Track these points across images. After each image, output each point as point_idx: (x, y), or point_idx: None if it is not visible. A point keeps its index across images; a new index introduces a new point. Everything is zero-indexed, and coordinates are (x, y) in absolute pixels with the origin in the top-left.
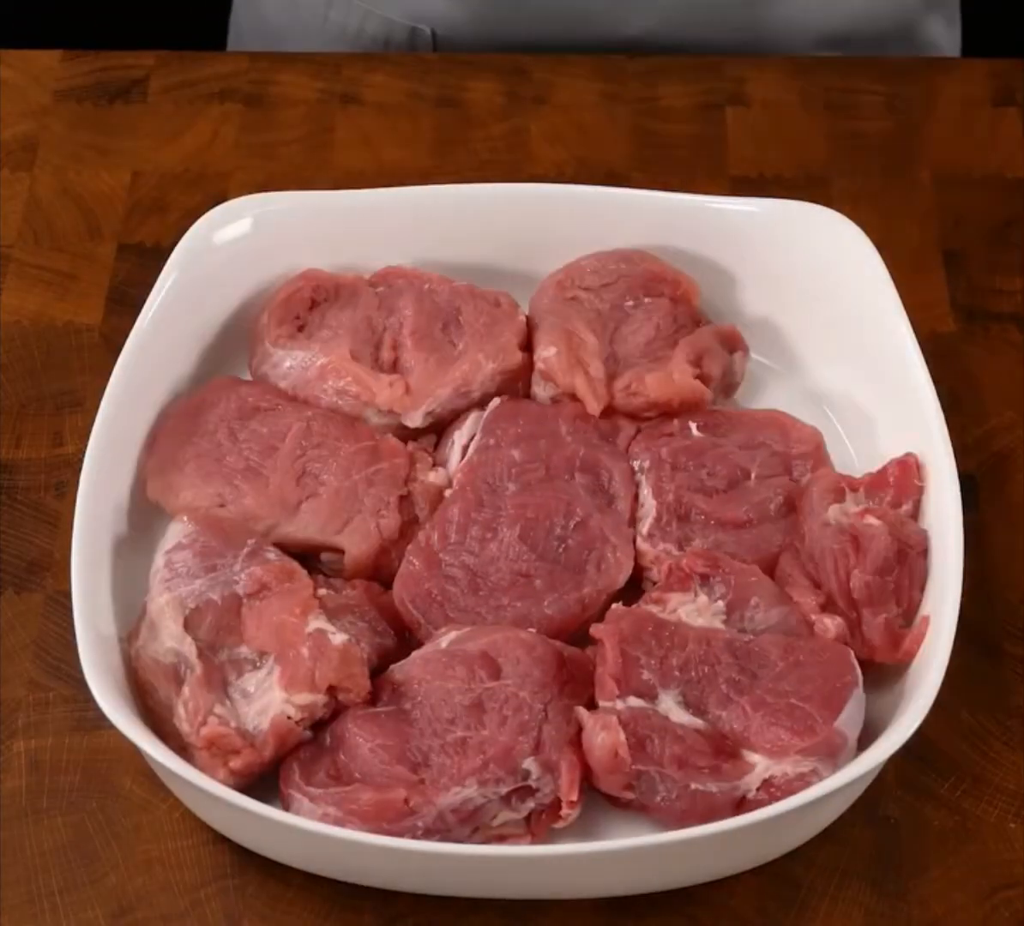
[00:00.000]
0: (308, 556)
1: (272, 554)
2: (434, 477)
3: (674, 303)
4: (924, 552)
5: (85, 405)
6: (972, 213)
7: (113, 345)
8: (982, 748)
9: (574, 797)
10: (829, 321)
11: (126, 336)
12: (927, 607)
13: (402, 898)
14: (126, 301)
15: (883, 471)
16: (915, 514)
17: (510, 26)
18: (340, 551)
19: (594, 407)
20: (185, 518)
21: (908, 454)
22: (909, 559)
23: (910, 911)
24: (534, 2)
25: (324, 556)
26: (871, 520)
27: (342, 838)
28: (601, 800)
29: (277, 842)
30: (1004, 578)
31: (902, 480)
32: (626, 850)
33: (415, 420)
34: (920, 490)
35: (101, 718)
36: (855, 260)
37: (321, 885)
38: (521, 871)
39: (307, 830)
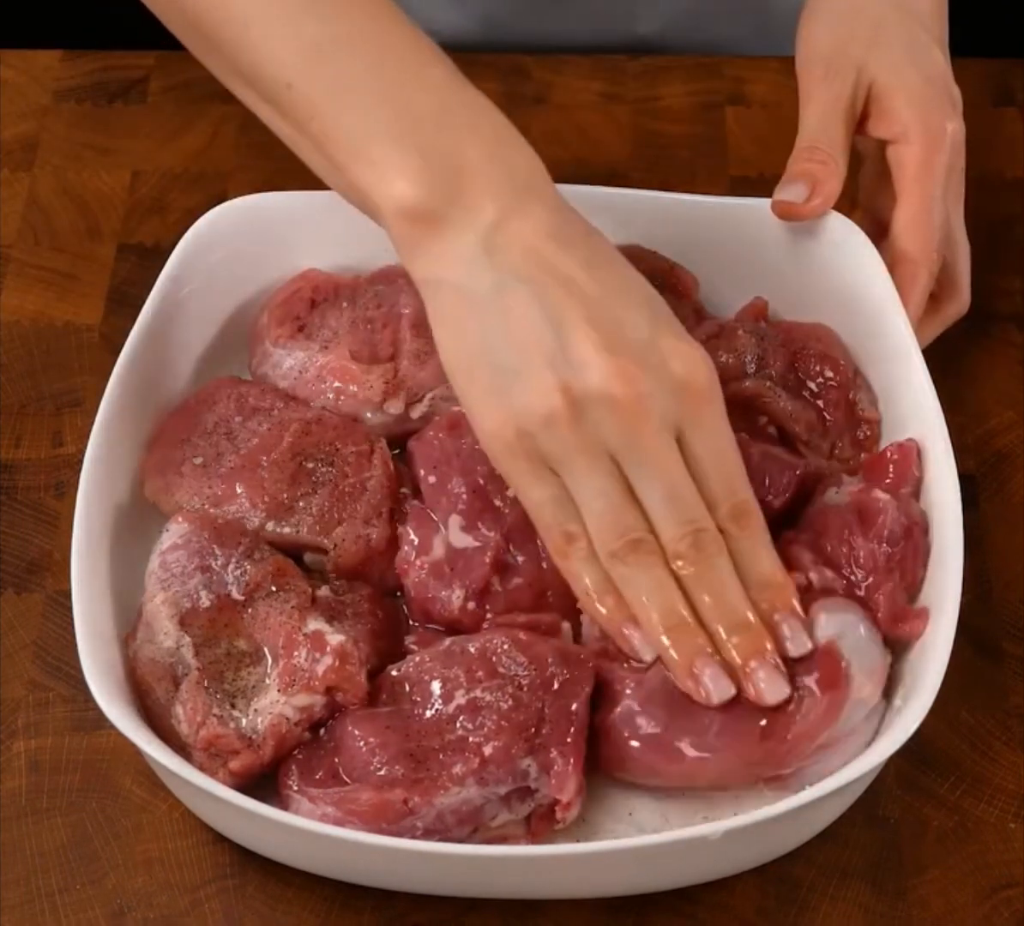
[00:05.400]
0: (299, 555)
1: (268, 553)
2: None
3: (676, 297)
4: (926, 530)
5: (85, 405)
6: (972, 213)
7: (113, 345)
8: (982, 748)
9: (568, 798)
10: (829, 321)
11: (126, 336)
12: (928, 603)
13: (402, 898)
14: (126, 301)
15: (882, 454)
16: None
17: (519, 32)
18: (325, 552)
19: None
20: (180, 518)
21: (909, 439)
22: (914, 535)
23: (910, 911)
24: (541, 6)
25: (307, 556)
26: (878, 493)
27: (342, 838)
28: (601, 798)
29: (277, 842)
30: (1004, 578)
31: (902, 464)
32: (626, 850)
33: (398, 407)
34: (918, 477)
35: (101, 718)
36: (855, 260)
37: (321, 885)
38: (521, 871)
39: (307, 830)
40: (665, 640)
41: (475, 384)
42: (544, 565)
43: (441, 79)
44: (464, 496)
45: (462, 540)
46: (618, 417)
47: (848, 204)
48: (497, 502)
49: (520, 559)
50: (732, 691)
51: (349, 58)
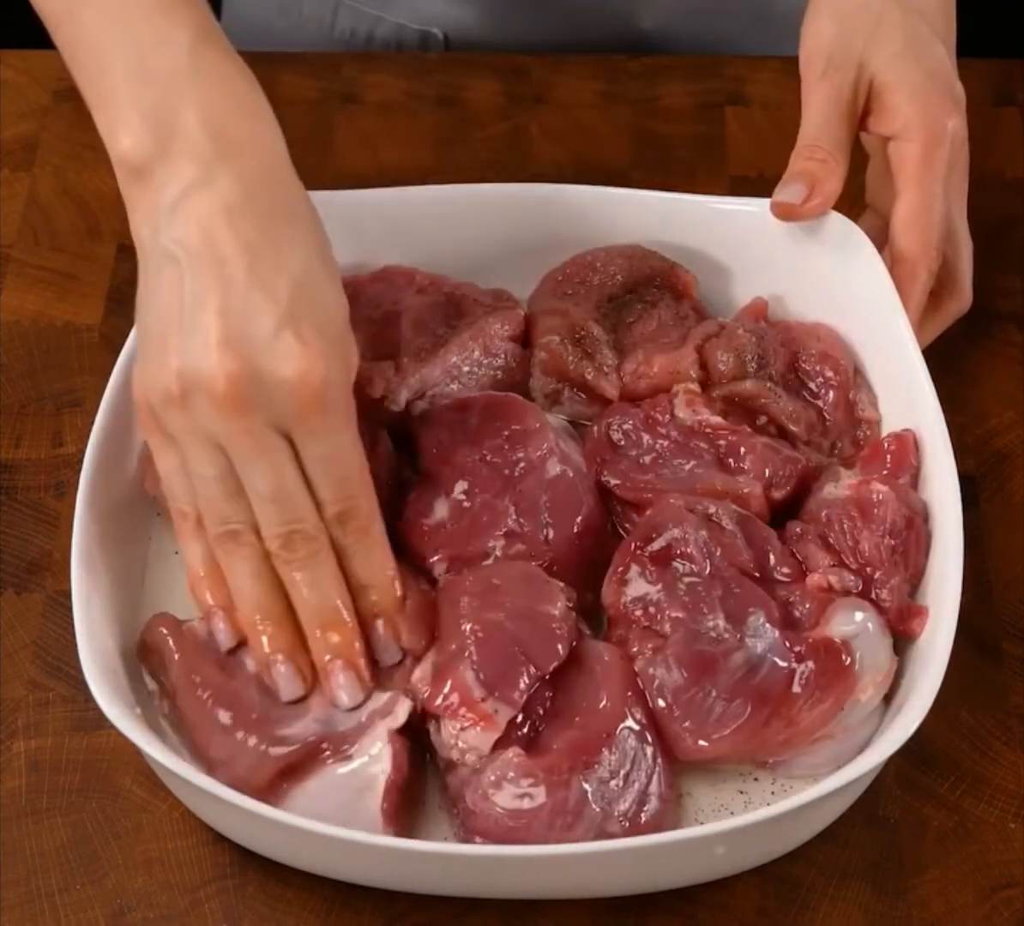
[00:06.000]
0: None
1: None
2: None
3: (676, 296)
4: (926, 518)
5: (85, 405)
6: (972, 213)
7: (113, 345)
8: (982, 748)
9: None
10: (829, 321)
11: (126, 336)
12: (928, 603)
13: (402, 898)
14: (126, 301)
15: (879, 444)
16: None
17: (522, 26)
18: None
19: (612, 393)
20: None
21: (906, 429)
22: (915, 525)
23: (910, 911)
24: (544, 1)
25: None
26: (877, 486)
27: (342, 838)
28: None
29: (277, 842)
30: (1004, 578)
31: (899, 454)
32: (626, 850)
33: (399, 404)
34: (916, 467)
35: (101, 718)
36: (855, 260)
37: (321, 885)
38: (521, 871)
39: (307, 830)
40: (253, 631)
41: (140, 347)
42: (549, 536)
43: (187, 41)
44: (467, 467)
45: (463, 504)
46: (218, 411)
47: (849, 203)
48: (505, 472)
49: (525, 527)
50: (301, 692)
51: (96, 12)
